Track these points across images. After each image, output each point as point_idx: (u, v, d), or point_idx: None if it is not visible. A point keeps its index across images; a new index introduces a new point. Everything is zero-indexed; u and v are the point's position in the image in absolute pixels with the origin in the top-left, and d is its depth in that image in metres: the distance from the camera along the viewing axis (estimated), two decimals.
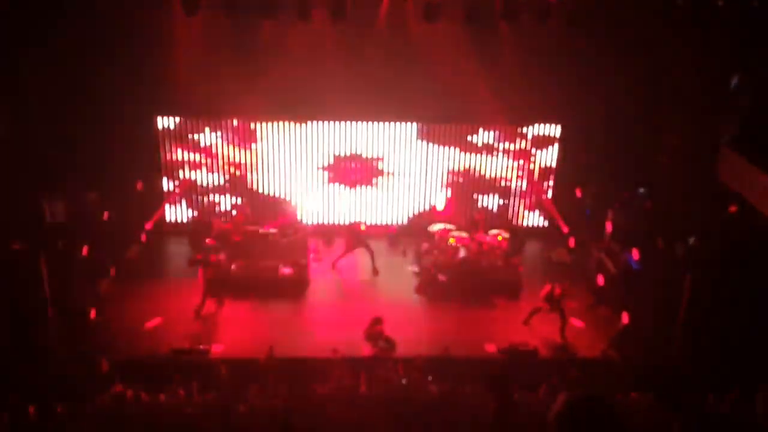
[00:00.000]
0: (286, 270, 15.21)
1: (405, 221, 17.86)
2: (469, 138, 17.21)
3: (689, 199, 15.76)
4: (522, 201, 17.87)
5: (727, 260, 13.80)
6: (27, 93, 15.24)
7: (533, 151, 17.36)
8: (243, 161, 17.08)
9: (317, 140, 17.03)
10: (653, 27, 15.26)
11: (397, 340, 13.16)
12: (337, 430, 8.70)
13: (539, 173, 17.58)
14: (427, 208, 17.82)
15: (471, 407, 9.14)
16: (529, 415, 8.37)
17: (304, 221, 17.33)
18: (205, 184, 17.29)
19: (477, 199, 17.72)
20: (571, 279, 15.51)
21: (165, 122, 16.72)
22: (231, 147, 16.94)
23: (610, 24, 15.26)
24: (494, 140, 17.25)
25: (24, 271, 12.52)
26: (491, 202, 17.81)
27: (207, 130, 16.83)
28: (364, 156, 17.22)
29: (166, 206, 17.26)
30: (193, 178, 17.15)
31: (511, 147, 17.33)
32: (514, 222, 17.88)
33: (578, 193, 17.29)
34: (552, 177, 17.65)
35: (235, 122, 16.79)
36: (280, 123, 16.85)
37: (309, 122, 16.83)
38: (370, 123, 16.94)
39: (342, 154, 17.17)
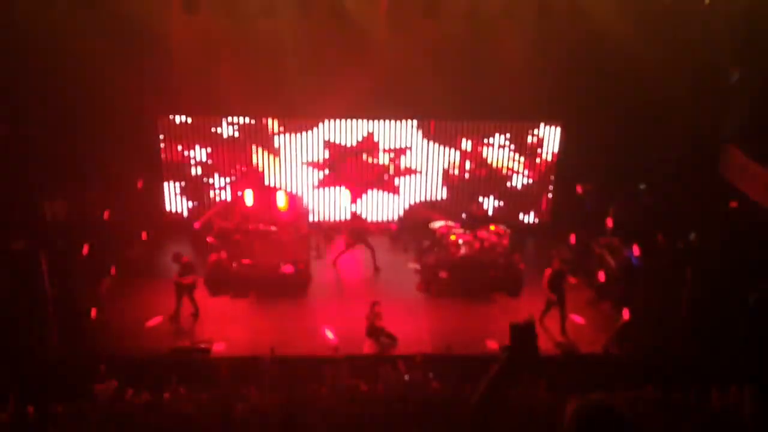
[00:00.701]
0: (287, 268, 15.13)
1: (400, 215, 17.78)
2: (469, 136, 17.13)
3: (690, 194, 15.67)
4: (523, 198, 17.78)
5: (728, 256, 13.74)
6: (28, 92, 15.19)
7: (535, 148, 17.29)
8: (247, 160, 17.00)
9: (320, 138, 16.94)
10: (654, 23, 15.19)
11: (398, 337, 13.10)
12: (337, 428, 8.62)
13: (540, 169, 17.49)
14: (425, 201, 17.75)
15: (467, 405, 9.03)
16: (528, 412, 8.30)
17: (306, 218, 17.26)
18: (208, 182, 17.21)
19: (478, 197, 17.63)
20: (572, 275, 15.59)
21: (169, 120, 16.62)
22: (235, 145, 16.87)
23: (609, 21, 15.19)
24: (496, 137, 17.16)
25: (25, 270, 12.46)
26: (492, 199, 17.71)
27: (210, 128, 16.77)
28: (366, 153, 17.15)
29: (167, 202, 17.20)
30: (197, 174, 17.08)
31: (512, 145, 17.25)
32: (515, 219, 17.77)
33: (579, 190, 17.20)
34: (553, 173, 17.56)
35: (238, 119, 16.67)
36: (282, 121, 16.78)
37: (311, 120, 16.75)
38: (371, 121, 16.86)
39: (344, 151, 17.08)
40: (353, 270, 16.02)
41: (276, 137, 16.89)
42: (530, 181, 17.64)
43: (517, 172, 17.54)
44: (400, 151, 17.22)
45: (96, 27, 14.58)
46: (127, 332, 13.33)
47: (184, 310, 13.74)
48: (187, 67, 15.44)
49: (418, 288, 15.32)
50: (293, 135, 16.92)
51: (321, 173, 17.27)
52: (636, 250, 14.81)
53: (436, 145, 17.21)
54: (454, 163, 17.38)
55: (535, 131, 17.16)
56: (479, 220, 16.61)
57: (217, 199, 17.29)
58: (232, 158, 17.06)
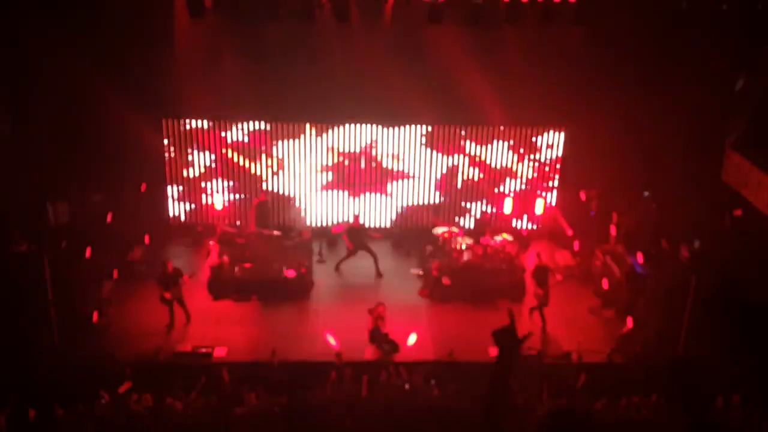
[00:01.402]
0: (289, 273, 15.08)
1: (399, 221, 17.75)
2: (472, 142, 17.08)
3: (694, 201, 15.60)
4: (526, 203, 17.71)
5: (733, 263, 13.66)
6: (31, 94, 15.20)
7: (538, 153, 17.22)
8: (251, 164, 16.98)
9: (324, 143, 16.91)
10: (658, 29, 15.15)
11: (400, 343, 13.03)
12: None
13: (543, 175, 17.43)
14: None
15: (474, 413, 8.97)
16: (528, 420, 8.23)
17: (309, 223, 17.23)
18: (211, 186, 17.18)
19: (480, 203, 17.57)
20: (575, 282, 15.55)
21: (173, 124, 16.63)
22: (239, 150, 16.85)
23: (613, 26, 15.16)
24: (499, 143, 17.10)
25: (27, 272, 12.42)
26: (494, 206, 17.64)
27: (213, 132, 16.75)
28: (369, 159, 17.11)
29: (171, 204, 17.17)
30: (195, 176, 17.05)
31: (515, 151, 17.20)
32: (517, 225, 17.70)
33: (583, 197, 17.14)
34: (556, 180, 17.50)
35: (243, 125, 16.66)
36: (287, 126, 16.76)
37: (316, 126, 16.72)
38: (374, 126, 16.83)
39: (347, 157, 17.05)
40: (356, 275, 15.96)
41: (279, 143, 16.83)
42: (528, 187, 17.52)
43: (521, 178, 17.44)
44: (399, 157, 17.13)
45: (102, 29, 14.60)
46: (129, 336, 13.27)
47: (178, 319, 13.68)
48: (193, 70, 15.44)
49: (420, 294, 15.24)
50: (296, 140, 16.86)
51: (326, 175, 17.19)
52: (640, 258, 14.74)
53: (437, 152, 17.12)
54: (456, 168, 17.29)
55: (539, 137, 17.06)
56: (483, 226, 16.54)
57: (217, 203, 17.19)
58: (237, 163, 17.01)
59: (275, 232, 15.99)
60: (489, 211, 17.61)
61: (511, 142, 17.07)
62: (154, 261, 15.55)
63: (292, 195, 17.26)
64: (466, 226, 17.27)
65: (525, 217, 17.60)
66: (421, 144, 17.01)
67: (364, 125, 16.76)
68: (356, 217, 16.30)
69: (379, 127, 16.81)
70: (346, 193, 17.35)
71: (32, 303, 12.23)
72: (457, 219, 17.58)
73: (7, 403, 9.74)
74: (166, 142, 16.68)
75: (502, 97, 15.79)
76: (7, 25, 14.31)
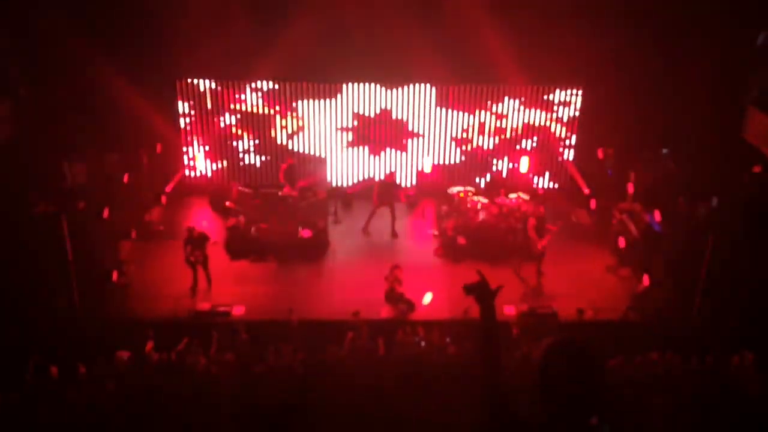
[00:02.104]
0: (305, 233, 15.13)
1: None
2: (488, 101, 16.91)
3: (713, 159, 15.40)
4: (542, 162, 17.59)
5: (750, 221, 13.52)
6: (47, 57, 15.16)
7: (555, 112, 17.04)
8: (270, 123, 16.93)
9: (340, 102, 16.80)
10: None
11: (416, 302, 13.10)
12: (354, 391, 8.65)
13: (560, 133, 17.27)
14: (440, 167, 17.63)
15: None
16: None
17: (328, 182, 17.21)
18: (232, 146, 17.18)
19: (495, 162, 17.47)
20: (592, 241, 15.49)
21: (189, 84, 16.56)
22: (258, 109, 16.78)
23: None
24: (510, 102, 16.94)
25: (46, 233, 12.54)
26: (509, 164, 17.54)
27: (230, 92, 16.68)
28: (386, 118, 17.00)
29: (186, 166, 17.21)
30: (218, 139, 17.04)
31: (530, 110, 17.02)
32: (534, 184, 17.61)
33: (600, 154, 16.97)
34: (573, 137, 17.33)
35: (260, 84, 16.56)
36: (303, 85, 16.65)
37: (332, 85, 16.61)
38: (389, 89, 16.69)
39: (365, 116, 16.95)
40: (371, 235, 15.98)
41: (300, 103, 16.73)
42: (544, 145, 17.39)
43: (537, 137, 17.29)
44: (417, 116, 17.01)
45: None
46: (148, 295, 13.43)
47: (200, 282, 13.79)
48: (207, 30, 15.28)
49: (436, 253, 15.26)
50: (317, 101, 16.77)
51: (347, 135, 17.13)
52: (657, 216, 14.63)
53: (452, 111, 16.98)
54: (472, 128, 17.16)
55: (556, 95, 16.86)
56: (503, 186, 16.46)
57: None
58: (257, 123, 16.96)
59: (291, 192, 15.99)
60: (504, 170, 17.51)
61: (524, 99, 16.89)
62: (170, 221, 15.69)
63: (316, 155, 17.22)
64: (482, 186, 17.17)
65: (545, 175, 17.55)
66: (435, 104, 16.86)
67: (377, 85, 16.61)
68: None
69: (392, 88, 16.66)
70: (366, 151, 17.27)
71: (52, 263, 12.37)
72: (472, 178, 17.50)
73: (31, 361, 9.91)
74: (180, 103, 16.65)
75: (519, 56, 15.54)
76: None
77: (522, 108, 16.98)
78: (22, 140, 14.79)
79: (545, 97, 16.88)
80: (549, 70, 15.95)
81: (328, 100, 16.77)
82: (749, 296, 12.31)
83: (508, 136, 17.24)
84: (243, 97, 16.68)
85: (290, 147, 17.09)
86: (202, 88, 16.58)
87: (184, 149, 17.08)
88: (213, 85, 16.55)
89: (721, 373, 10.29)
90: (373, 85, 16.61)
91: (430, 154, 17.38)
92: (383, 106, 16.88)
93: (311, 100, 16.74)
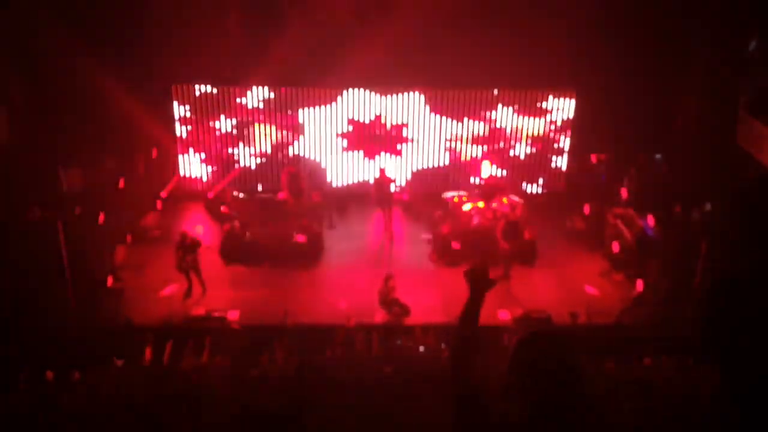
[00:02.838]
0: (300, 237, 15.14)
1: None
2: (479, 106, 16.98)
3: (706, 164, 15.45)
4: (536, 168, 17.65)
5: (744, 227, 13.56)
6: (44, 61, 15.14)
7: (547, 116, 17.10)
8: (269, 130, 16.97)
9: (337, 107, 16.86)
10: None
11: (410, 307, 13.11)
12: (348, 396, 8.64)
13: (553, 138, 17.33)
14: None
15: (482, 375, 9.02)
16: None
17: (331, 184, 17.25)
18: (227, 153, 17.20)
19: (489, 167, 17.50)
20: (586, 246, 15.51)
21: (185, 89, 16.58)
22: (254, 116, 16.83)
23: None
24: (501, 109, 17.01)
25: (42, 238, 12.51)
26: (503, 168, 17.59)
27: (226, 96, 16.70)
28: (380, 123, 17.06)
29: (181, 171, 17.22)
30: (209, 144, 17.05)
31: (523, 115, 17.08)
32: (526, 188, 17.67)
33: (593, 159, 17.02)
34: (567, 142, 17.39)
35: (259, 91, 16.60)
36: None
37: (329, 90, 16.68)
38: (383, 92, 16.75)
39: (360, 121, 17.03)
40: (366, 240, 16.00)
41: (300, 111, 16.78)
42: (534, 150, 17.44)
43: (529, 141, 17.35)
44: (411, 121, 17.08)
45: None
46: (143, 300, 13.42)
47: (195, 287, 13.79)
48: (203, 34, 15.32)
49: (430, 258, 15.28)
50: (315, 108, 16.82)
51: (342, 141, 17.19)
52: (651, 221, 14.67)
53: (443, 117, 17.04)
54: (463, 133, 17.23)
55: (548, 101, 16.92)
56: (494, 190, 16.48)
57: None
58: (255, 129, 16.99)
59: (285, 198, 15.99)
60: (498, 174, 17.56)
61: (516, 106, 16.95)
62: (166, 226, 15.68)
63: (313, 159, 17.27)
64: (475, 190, 17.20)
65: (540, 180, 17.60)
66: (425, 109, 16.92)
67: (368, 92, 16.66)
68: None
69: (384, 95, 16.73)
70: (361, 155, 17.33)
71: (47, 269, 12.34)
72: (465, 183, 17.55)
73: (26, 366, 9.89)
74: (176, 107, 16.66)
75: (510, 59, 15.56)
76: None
77: (512, 113, 17.03)
78: (17, 146, 14.76)
79: (538, 103, 16.93)
80: (540, 73, 15.99)
81: (324, 107, 16.80)
82: (745, 301, 12.32)
83: (501, 144, 17.28)
84: (242, 101, 16.68)
85: (289, 153, 17.10)
86: (198, 93, 16.59)
87: (180, 154, 17.08)
88: (210, 90, 16.56)
89: (715, 379, 10.29)
90: (367, 91, 16.65)
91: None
92: (377, 112, 16.91)
93: (308, 107, 16.78)
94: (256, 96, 16.67)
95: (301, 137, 17.04)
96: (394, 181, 16.52)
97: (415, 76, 16.20)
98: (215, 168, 17.28)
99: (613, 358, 10.81)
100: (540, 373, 3.23)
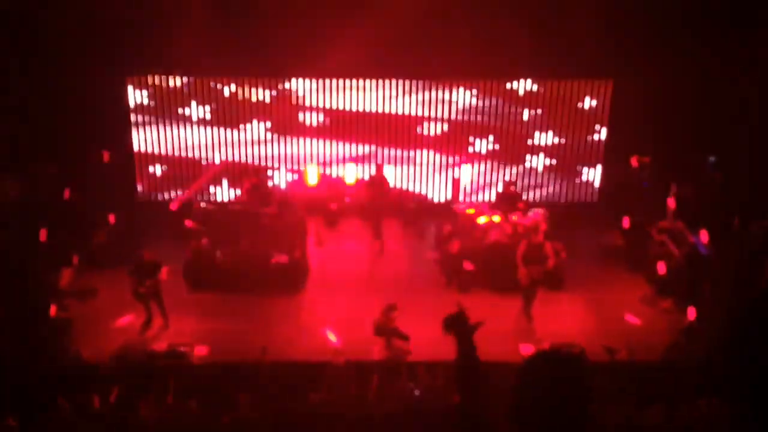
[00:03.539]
0: (281, 257, 15.23)
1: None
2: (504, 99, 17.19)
3: None
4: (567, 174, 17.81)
5: None
6: None
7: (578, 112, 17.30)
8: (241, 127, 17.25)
9: (318, 100, 17.11)
10: None
11: (414, 341, 13.17)
12: None
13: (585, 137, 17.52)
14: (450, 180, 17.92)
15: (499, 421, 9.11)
16: None
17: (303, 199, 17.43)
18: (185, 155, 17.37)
19: (510, 173, 17.69)
20: (625, 267, 15.59)
21: (142, 82, 16.79)
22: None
23: None
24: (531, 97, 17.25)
25: None
26: (525, 175, 17.77)
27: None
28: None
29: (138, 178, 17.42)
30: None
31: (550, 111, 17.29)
32: (555, 199, 17.81)
33: (634, 163, 17.12)
34: (602, 143, 17.53)
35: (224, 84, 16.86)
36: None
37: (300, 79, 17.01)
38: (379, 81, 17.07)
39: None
40: (359, 260, 16.11)
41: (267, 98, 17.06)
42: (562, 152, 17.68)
43: (560, 142, 17.53)
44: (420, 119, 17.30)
45: None
46: (93, 333, 13.50)
47: (156, 317, 13.90)
48: (163, 20, 15.51)
49: (437, 282, 15.38)
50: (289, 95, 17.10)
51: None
52: (704, 237, 14.74)
53: (462, 107, 17.27)
54: (482, 132, 17.43)
55: (578, 92, 17.12)
56: (513, 200, 16.62)
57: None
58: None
59: (264, 210, 16.10)
60: (519, 184, 17.71)
61: (542, 99, 17.18)
62: (120, 244, 15.76)
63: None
64: (492, 200, 17.33)
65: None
66: (438, 102, 17.14)
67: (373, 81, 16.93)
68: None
69: (390, 82, 16.96)
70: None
71: None
72: (480, 192, 17.71)
73: None
74: (132, 104, 16.83)
75: (540, 47, 15.77)
76: None
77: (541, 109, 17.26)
78: None
79: (567, 95, 17.13)
80: (573, 61, 16.17)
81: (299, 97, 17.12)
82: None
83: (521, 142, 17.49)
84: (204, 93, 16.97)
85: (254, 161, 17.34)
86: (157, 86, 16.78)
87: (137, 158, 17.23)
88: (172, 83, 16.76)
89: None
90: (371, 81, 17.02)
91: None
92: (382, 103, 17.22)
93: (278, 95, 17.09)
94: (225, 89, 16.88)
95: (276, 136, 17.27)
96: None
97: (424, 66, 16.45)
98: (178, 174, 17.43)
99: (659, 402, 10.89)
100: (548, 394, 3.44)
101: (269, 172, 17.66)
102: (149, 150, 17.39)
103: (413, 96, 17.24)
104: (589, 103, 17.30)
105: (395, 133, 17.56)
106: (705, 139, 16.75)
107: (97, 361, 12.47)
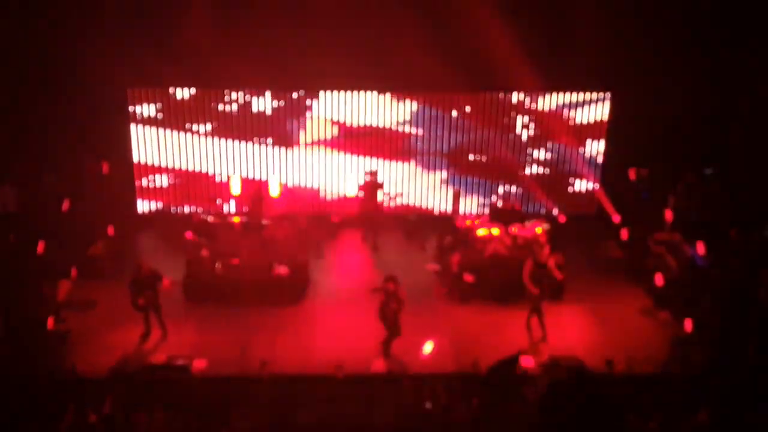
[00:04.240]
0: (281, 269, 15.17)
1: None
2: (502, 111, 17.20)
3: (766, 180, 15.55)
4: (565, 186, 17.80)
5: None
6: None
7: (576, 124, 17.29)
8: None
9: (321, 113, 17.14)
10: None
11: (415, 353, 13.12)
12: None
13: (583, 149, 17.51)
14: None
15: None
16: None
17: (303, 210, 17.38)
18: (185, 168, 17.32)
19: (508, 185, 17.66)
20: (623, 278, 15.56)
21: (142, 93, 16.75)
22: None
23: None
24: (528, 110, 17.22)
25: None
26: (524, 188, 17.75)
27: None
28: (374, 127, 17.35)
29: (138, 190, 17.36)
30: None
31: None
32: (553, 210, 17.79)
33: (632, 175, 17.11)
34: (600, 155, 17.52)
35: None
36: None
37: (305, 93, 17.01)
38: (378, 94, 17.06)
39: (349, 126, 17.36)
40: (360, 272, 16.05)
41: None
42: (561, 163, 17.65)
43: (558, 154, 17.52)
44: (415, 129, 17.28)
45: None
46: (91, 345, 13.40)
47: (154, 329, 13.81)
48: (165, 30, 15.49)
49: (438, 293, 15.34)
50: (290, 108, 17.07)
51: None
52: (701, 248, 14.72)
53: (460, 121, 17.25)
54: (482, 143, 17.41)
55: (576, 104, 17.12)
56: (511, 212, 16.58)
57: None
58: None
59: (264, 222, 16.05)
60: (518, 193, 17.69)
61: (539, 111, 17.16)
62: (119, 256, 15.67)
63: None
64: (491, 212, 17.30)
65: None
66: (438, 114, 17.14)
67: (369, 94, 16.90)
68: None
69: (388, 95, 16.95)
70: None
71: None
72: (480, 203, 17.68)
73: None
74: (132, 114, 16.78)
75: (536, 58, 15.76)
76: None
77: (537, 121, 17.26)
78: None
79: (565, 108, 17.11)
80: (571, 74, 16.17)
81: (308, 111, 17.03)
82: None
83: (521, 154, 17.47)
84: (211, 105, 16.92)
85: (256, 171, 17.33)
86: (156, 100, 16.73)
87: (136, 169, 17.17)
88: (174, 94, 16.72)
89: None
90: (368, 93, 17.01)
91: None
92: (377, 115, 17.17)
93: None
94: (226, 101, 16.84)
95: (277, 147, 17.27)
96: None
97: (415, 78, 16.45)
98: (176, 184, 17.36)
99: (659, 414, 10.84)
100: (575, 415, 3.40)
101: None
102: (149, 161, 17.26)
103: (409, 109, 17.20)
104: (587, 115, 17.23)
105: (395, 145, 17.52)
106: (702, 151, 16.74)
107: (94, 373, 12.38)
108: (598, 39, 15.48)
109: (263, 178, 17.46)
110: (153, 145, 17.16)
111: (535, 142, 17.53)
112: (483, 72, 16.23)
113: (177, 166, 17.39)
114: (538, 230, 15.91)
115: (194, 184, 17.56)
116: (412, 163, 17.68)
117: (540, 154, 17.63)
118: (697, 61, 15.81)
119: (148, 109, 16.89)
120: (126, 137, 16.93)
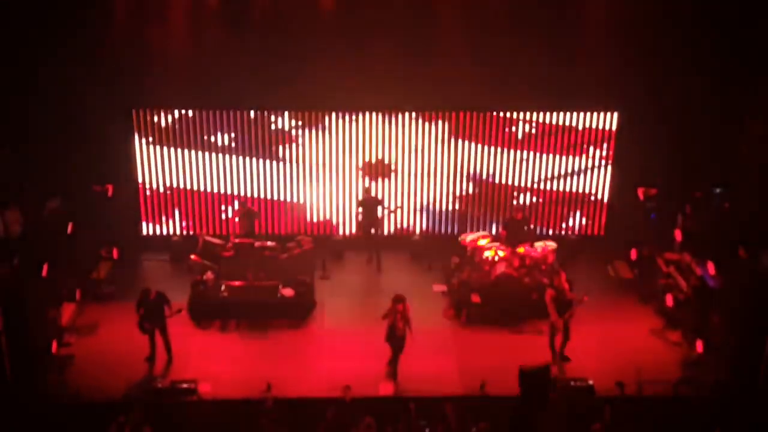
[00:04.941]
0: (286, 291, 15.15)
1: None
2: (506, 131, 17.20)
3: None
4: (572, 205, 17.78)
5: None
6: None
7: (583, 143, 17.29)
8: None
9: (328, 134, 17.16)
10: None
11: (422, 375, 13.05)
12: None
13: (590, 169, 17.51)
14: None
15: None
16: None
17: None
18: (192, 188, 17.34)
19: (518, 204, 17.63)
20: (633, 299, 15.50)
21: (148, 116, 16.80)
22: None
23: None
24: (535, 131, 17.21)
25: None
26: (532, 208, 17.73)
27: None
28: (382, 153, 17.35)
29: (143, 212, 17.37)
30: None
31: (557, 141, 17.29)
32: (558, 230, 17.75)
33: (640, 195, 17.08)
34: (607, 174, 17.51)
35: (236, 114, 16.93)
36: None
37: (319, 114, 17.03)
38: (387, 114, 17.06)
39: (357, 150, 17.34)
40: (367, 293, 16.01)
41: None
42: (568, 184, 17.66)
43: (565, 173, 17.50)
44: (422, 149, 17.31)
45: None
46: (95, 370, 13.34)
47: (160, 353, 13.77)
48: (171, 52, 15.58)
49: (445, 315, 15.28)
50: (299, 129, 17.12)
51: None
52: (711, 268, 14.65)
53: (464, 142, 17.26)
54: (487, 164, 17.43)
55: (586, 124, 17.11)
56: (523, 225, 16.54)
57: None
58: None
59: (269, 243, 16.04)
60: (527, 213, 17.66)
61: (545, 131, 17.16)
62: (123, 279, 15.67)
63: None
64: (500, 229, 17.26)
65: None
66: (444, 134, 17.15)
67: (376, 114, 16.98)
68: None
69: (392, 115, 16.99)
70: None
71: None
72: (488, 223, 17.65)
73: None
74: (137, 136, 16.83)
75: (542, 77, 15.78)
76: None
77: (545, 139, 17.26)
78: None
79: (572, 126, 17.12)
80: (578, 93, 16.19)
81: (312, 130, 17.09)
82: None
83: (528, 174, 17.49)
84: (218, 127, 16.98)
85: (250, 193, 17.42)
86: (163, 120, 16.78)
87: (141, 192, 17.20)
88: (178, 115, 16.77)
89: None
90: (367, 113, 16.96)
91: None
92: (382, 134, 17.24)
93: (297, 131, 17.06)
94: (234, 120, 16.88)
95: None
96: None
97: (432, 97, 16.52)
98: (182, 208, 17.39)
99: None
100: None
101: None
102: (154, 184, 17.28)
103: (419, 128, 17.22)
104: (594, 134, 17.23)
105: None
106: (712, 171, 16.72)
107: (98, 397, 12.34)
108: (606, 59, 15.52)
109: (263, 197, 17.43)
110: (158, 166, 17.13)
111: (542, 161, 17.47)
112: (488, 91, 16.24)
113: (182, 187, 17.35)
114: (549, 246, 15.89)
115: (199, 206, 17.52)
116: (419, 181, 17.63)
117: (547, 173, 17.55)
118: (705, 81, 15.80)
119: (153, 130, 16.86)
120: (131, 159, 16.95)
